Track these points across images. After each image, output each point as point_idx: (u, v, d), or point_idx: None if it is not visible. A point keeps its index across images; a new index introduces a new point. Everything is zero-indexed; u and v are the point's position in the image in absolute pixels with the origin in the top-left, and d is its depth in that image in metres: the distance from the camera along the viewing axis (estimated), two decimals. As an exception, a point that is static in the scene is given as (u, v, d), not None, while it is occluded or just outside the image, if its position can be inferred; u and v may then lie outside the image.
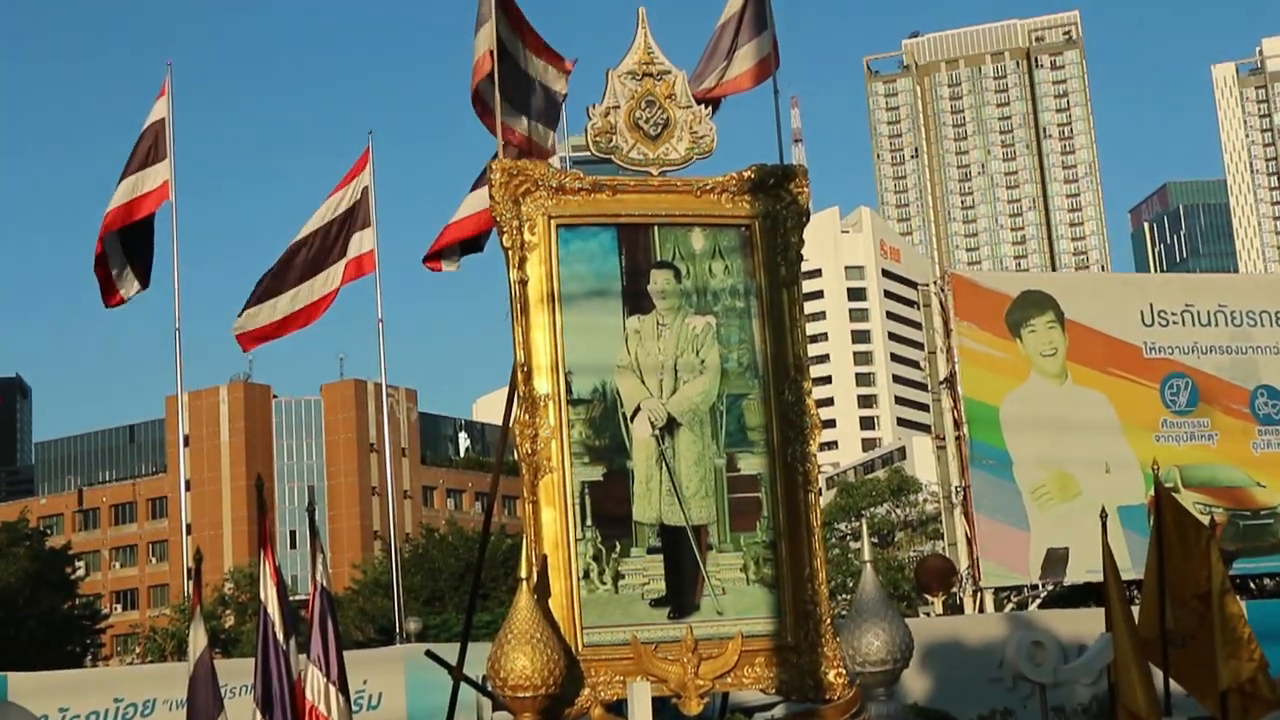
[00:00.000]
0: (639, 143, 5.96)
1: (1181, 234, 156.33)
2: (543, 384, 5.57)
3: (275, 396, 66.20)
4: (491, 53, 5.93)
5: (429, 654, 8.04)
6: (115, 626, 46.03)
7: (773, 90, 7.02)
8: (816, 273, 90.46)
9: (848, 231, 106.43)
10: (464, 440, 74.50)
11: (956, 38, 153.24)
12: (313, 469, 63.86)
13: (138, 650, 38.51)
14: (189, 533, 27.91)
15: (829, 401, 77.55)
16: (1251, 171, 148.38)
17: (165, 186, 13.91)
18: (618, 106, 5.91)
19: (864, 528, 11.89)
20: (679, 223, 6.03)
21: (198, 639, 5.43)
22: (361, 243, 13.89)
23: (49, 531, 41.53)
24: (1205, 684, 5.89)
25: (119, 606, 57.51)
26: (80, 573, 36.26)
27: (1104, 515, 7.31)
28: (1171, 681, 5.93)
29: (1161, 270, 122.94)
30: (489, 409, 70.78)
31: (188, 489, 36.96)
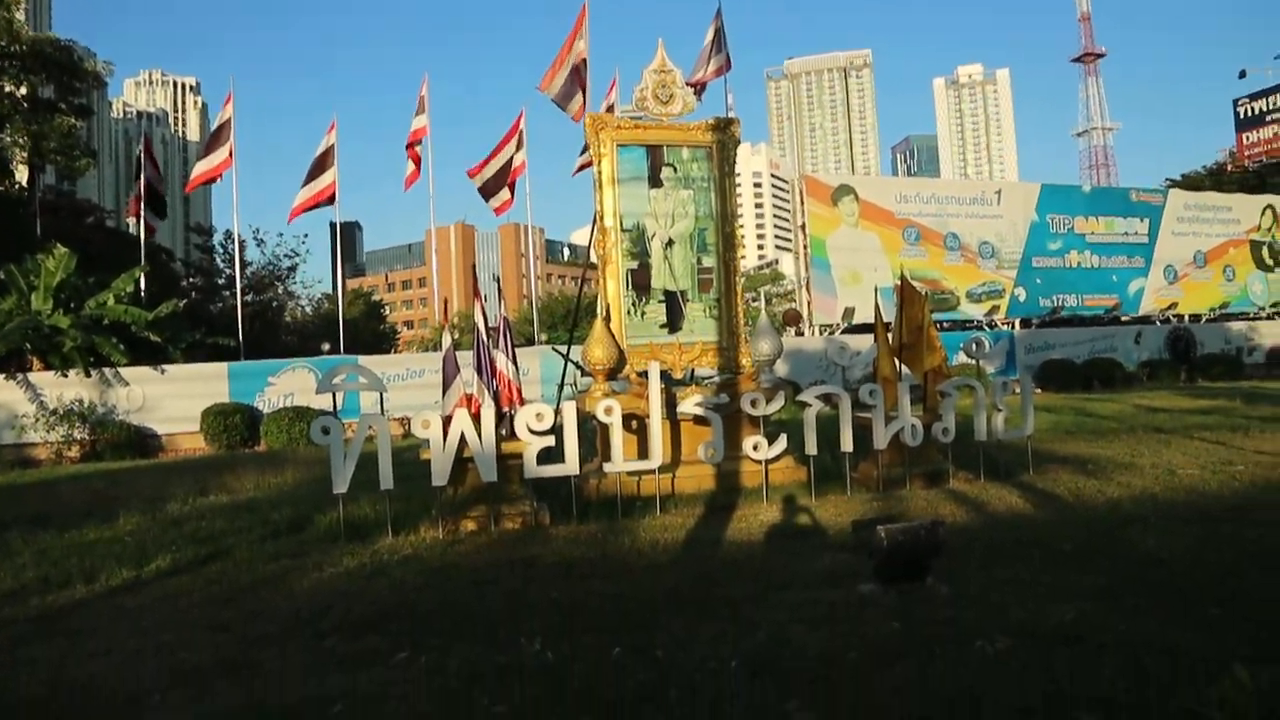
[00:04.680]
0: (657, 104, 11.01)
1: (914, 162, 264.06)
2: (609, 220, 10.80)
3: (476, 231, 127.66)
4: (585, 60, 11.26)
5: (552, 348, 14.55)
6: (404, 336, 73.85)
7: (724, 81, 12.90)
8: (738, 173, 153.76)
9: (756, 155, 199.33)
10: (566, 252, 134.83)
11: (810, 60, 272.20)
12: (497, 264, 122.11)
13: (414, 348, 63.33)
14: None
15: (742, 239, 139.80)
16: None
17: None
18: (647, 86, 11.03)
19: (761, 296, 32.03)
20: (676, 144, 10.77)
21: (446, 340, 8.80)
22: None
23: (374, 291, 73.57)
24: (916, 366, 11.09)
25: (405, 328, 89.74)
26: (386, 312, 62.76)
27: (876, 289, 13.55)
28: (902, 364, 11.12)
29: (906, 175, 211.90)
30: (581, 236, 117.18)
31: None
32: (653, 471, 8.65)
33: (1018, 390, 10.65)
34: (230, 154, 23.69)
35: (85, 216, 33.95)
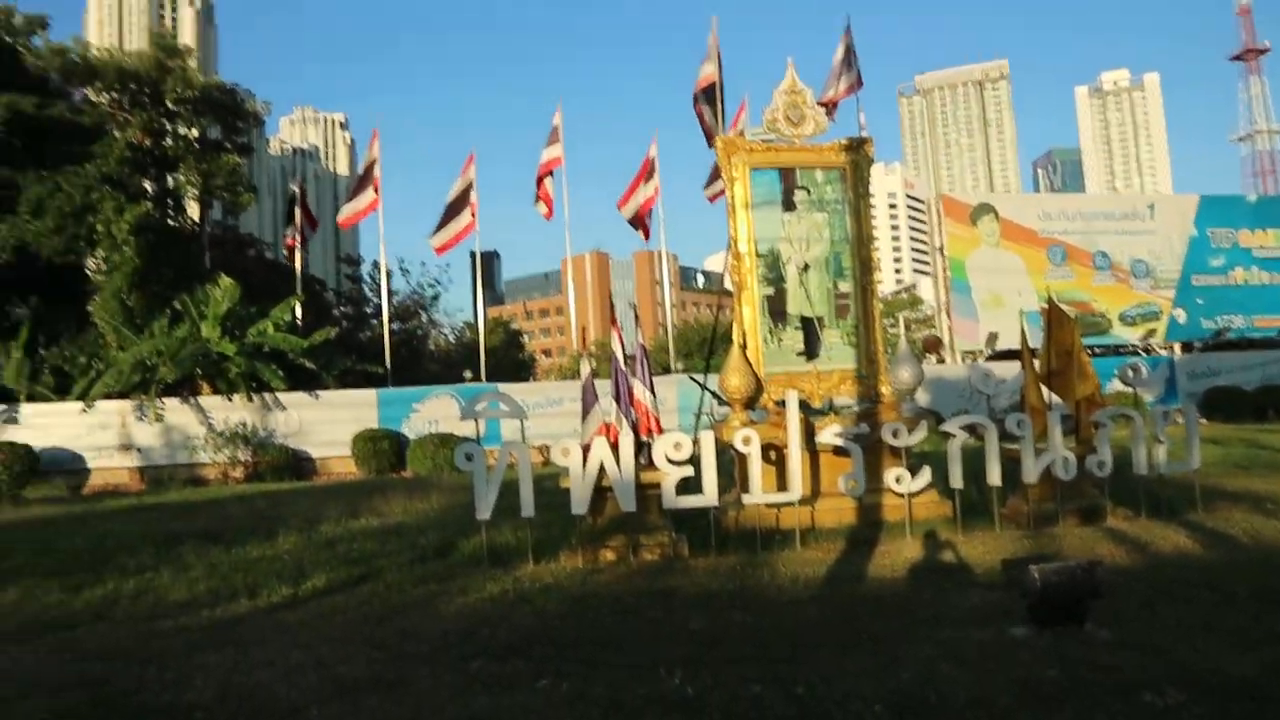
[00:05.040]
0: (789, 126, 10.92)
1: (1057, 177, 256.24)
2: (743, 246, 10.74)
3: (611, 259, 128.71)
4: (715, 82, 11.35)
5: (689, 377, 14.56)
6: (542, 365, 76.67)
7: (856, 100, 12.80)
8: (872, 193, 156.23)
9: (890, 175, 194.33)
10: (701, 278, 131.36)
11: (943, 74, 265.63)
12: (632, 291, 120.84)
13: (552, 376, 62.99)
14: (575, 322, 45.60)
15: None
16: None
17: None
18: (778, 108, 10.99)
19: (899, 322, 27.37)
20: (809, 166, 10.68)
21: (584, 368, 9.37)
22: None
23: (512, 320, 74.62)
24: (1067, 394, 10.62)
25: (543, 356, 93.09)
26: (525, 340, 62.09)
27: (1021, 313, 12.98)
28: (1051, 392, 10.61)
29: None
30: (715, 262, 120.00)
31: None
32: (792, 504, 8.52)
33: (1181, 420, 9.99)
34: (376, 191, 24.86)
35: (247, 248, 36.18)
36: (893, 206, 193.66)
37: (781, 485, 8.88)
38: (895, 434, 8.73)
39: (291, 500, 14.18)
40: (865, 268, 10.74)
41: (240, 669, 5.02)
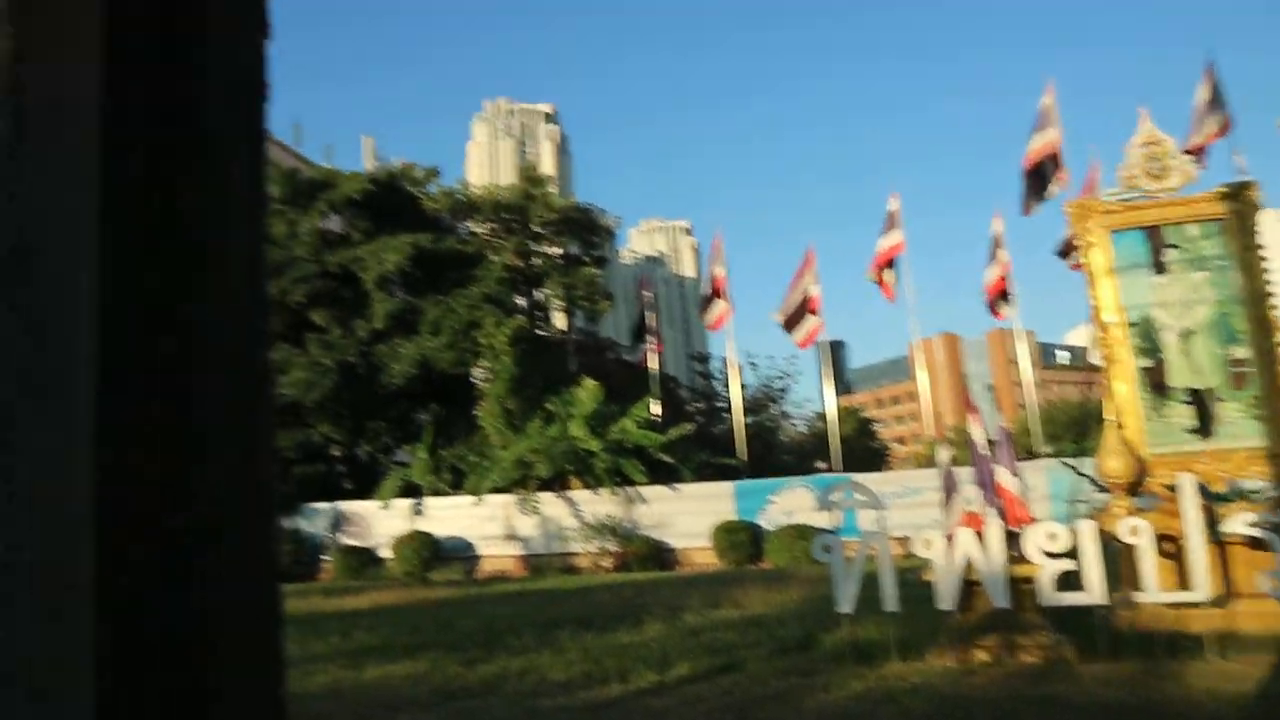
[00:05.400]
0: (1149, 180, 9.88)
1: None
2: (1109, 315, 9.94)
3: (962, 340, 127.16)
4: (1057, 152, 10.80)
5: (1062, 462, 13.67)
6: (896, 454, 74.14)
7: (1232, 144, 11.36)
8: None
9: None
10: (1063, 354, 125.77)
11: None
12: (987, 373, 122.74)
13: (909, 465, 60.97)
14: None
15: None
16: None
17: None
18: (1135, 163, 10.08)
19: None
20: (1178, 222, 9.81)
21: (943, 454, 9.35)
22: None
23: (862, 409, 72.45)
24: None
25: (896, 445, 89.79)
26: (877, 429, 61.74)
27: None
28: None
29: None
30: (1076, 336, 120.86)
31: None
32: (1199, 604, 7.49)
33: None
34: (723, 297, 26.04)
35: (605, 351, 39.08)
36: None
37: (1182, 583, 7.86)
38: (1325, 521, 7.45)
39: (655, 589, 14.80)
40: (1264, 328, 9.45)
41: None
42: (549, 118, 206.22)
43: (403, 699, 6.96)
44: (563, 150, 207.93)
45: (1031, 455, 25.35)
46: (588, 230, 34.97)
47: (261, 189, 0.78)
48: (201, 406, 0.70)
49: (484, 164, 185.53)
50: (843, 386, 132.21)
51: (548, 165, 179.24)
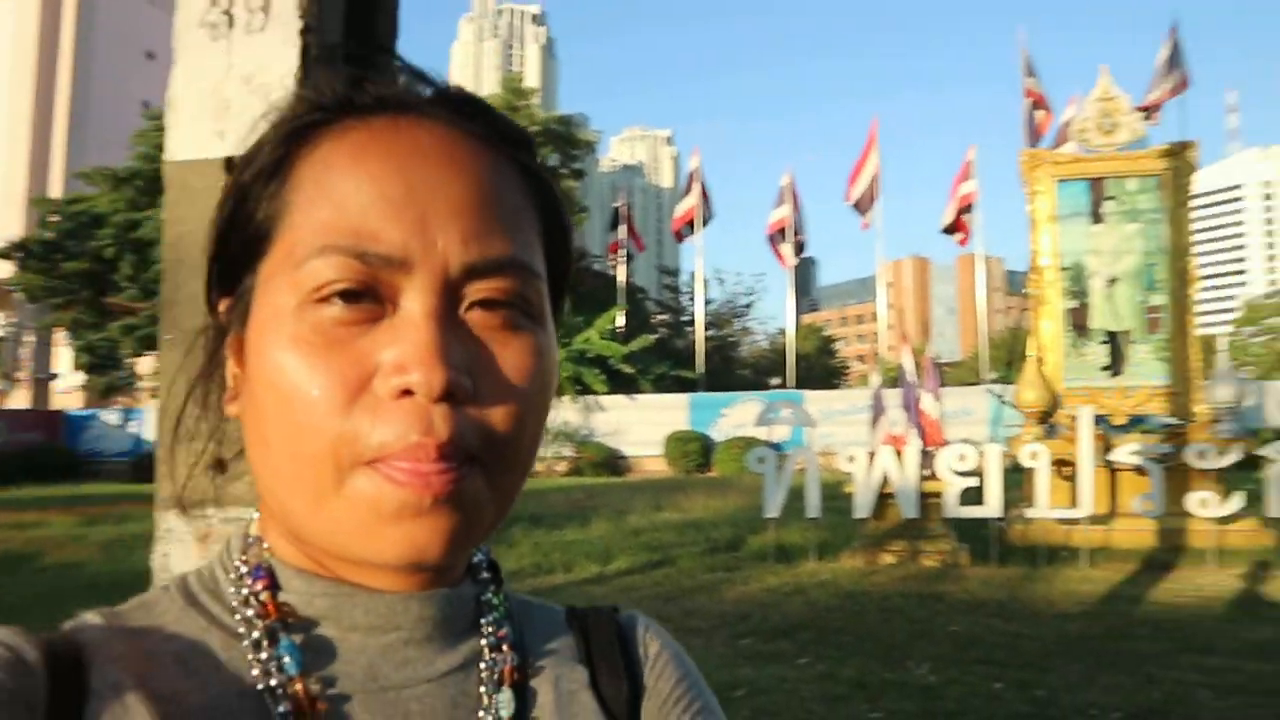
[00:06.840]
0: (1100, 135, 10.61)
1: None
2: (1045, 259, 10.64)
3: (932, 264, 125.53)
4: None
5: (988, 391, 14.63)
6: (853, 372, 75.10)
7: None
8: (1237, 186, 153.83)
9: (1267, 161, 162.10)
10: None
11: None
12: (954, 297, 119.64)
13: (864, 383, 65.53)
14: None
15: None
16: None
17: None
18: (1089, 117, 10.67)
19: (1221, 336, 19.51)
20: (1120, 175, 10.62)
21: (873, 379, 10.73)
22: None
23: (825, 327, 74.80)
24: None
25: (858, 363, 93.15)
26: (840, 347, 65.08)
27: None
28: None
29: None
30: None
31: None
32: (1082, 520, 8.36)
33: None
34: (703, 198, 26.40)
35: (577, 261, 39.53)
36: (1268, 198, 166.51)
37: (1074, 503, 8.71)
38: (1201, 455, 8.29)
39: (605, 493, 15.62)
40: (1183, 280, 10.23)
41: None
42: (537, 19, 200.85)
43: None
44: (549, 53, 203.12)
45: (978, 381, 26.39)
46: (568, 143, 34.94)
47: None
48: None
49: (467, 66, 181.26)
50: (809, 304, 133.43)
51: (533, 68, 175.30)
